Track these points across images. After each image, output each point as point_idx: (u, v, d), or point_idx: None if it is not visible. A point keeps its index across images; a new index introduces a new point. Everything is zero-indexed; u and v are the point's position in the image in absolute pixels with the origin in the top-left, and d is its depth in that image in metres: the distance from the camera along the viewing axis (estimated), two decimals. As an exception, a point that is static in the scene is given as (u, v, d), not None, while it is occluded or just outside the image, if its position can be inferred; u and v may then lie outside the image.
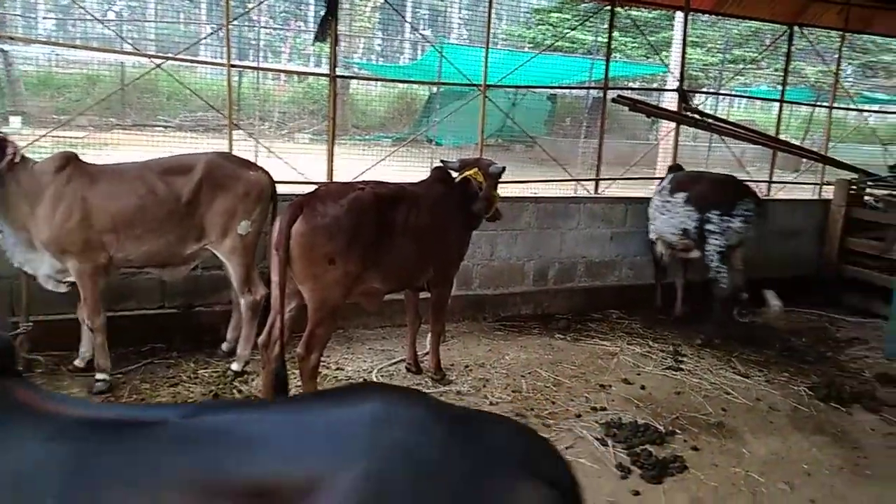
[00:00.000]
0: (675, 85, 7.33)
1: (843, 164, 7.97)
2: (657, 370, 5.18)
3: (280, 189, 5.64)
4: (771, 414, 4.55)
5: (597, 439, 3.99)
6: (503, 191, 5.17)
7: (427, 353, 4.84)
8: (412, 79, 8.40)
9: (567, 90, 12.07)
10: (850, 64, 8.85)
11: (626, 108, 7.01)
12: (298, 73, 11.04)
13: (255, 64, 9.40)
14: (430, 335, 4.77)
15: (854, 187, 7.50)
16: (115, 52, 6.77)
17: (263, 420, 1.25)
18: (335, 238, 3.73)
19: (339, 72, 5.98)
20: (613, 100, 6.98)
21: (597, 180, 6.91)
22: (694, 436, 4.14)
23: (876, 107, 9.28)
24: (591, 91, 8.12)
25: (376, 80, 8.27)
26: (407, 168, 6.40)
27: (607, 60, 6.91)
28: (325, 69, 6.09)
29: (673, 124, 7.40)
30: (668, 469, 3.69)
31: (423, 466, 1.16)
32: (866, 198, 7.58)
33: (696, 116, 7.27)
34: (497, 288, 6.27)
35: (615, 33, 6.99)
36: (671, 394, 4.76)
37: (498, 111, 7.15)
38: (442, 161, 4.80)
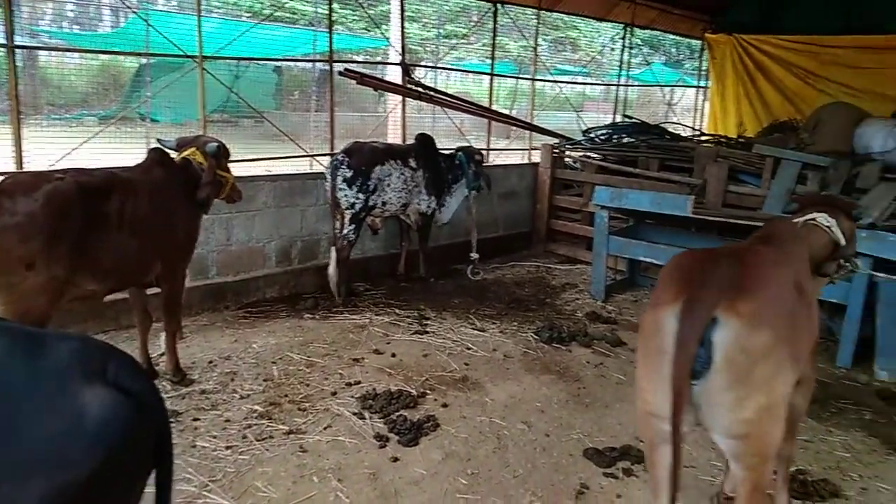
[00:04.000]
0: (398, 59, 7.54)
1: (547, 131, 8.96)
2: (405, 336, 5.37)
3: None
4: (506, 361, 4.99)
5: (354, 414, 4.02)
6: (237, 170, 4.87)
7: (163, 355, 4.41)
8: (116, 49, 7.43)
9: (293, 62, 11.76)
10: (545, 40, 9.90)
11: (354, 82, 7.04)
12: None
13: None
14: (163, 334, 4.34)
15: (556, 151, 8.48)
16: None
17: None
18: (31, 238, 3.18)
19: (19, 41, 5.09)
20: (340, 73, 6.94)
21: (332, 155, 6.85)
22: (443, 393, 4.38)
23: (568, 78, 10.57)
24: (318, 64, 7.99)
25: (68, 50, 7.10)
26: (121, 149, 5.71)
27: (330, 33, 6.82)
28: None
29: (400, 97, 7.61)
30: (423, 430, 3.86)
31: None
32: (566, 159, 8.63)
33: (420, 89, 7.56)
34: (238, 273, 5.95)
35: (335, 5, 6.92)
36: (419, 357, 4.97)
37: (220, 85, 6.68)
38: (158, 140, 4.35)
